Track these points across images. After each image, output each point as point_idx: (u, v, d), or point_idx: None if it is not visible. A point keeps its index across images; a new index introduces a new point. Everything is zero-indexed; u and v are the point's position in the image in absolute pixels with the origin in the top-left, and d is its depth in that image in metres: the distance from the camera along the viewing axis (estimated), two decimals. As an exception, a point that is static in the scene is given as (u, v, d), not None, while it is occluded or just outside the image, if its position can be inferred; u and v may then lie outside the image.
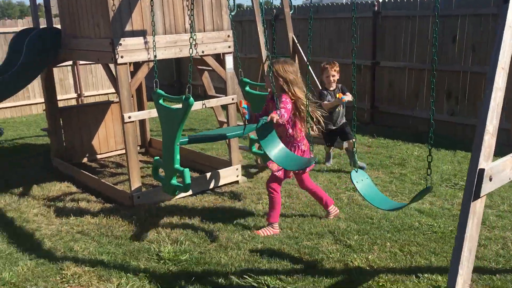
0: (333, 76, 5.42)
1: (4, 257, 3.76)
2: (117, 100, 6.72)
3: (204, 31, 5.06)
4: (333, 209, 4.36)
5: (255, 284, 3.26)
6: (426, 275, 3.29)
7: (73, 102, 10.79)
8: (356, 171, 3.22)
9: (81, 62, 10.55)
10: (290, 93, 3.96)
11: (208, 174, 5.22)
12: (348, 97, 5.22)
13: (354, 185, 3.17)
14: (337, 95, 5.30)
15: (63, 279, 3.42)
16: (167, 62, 11.46)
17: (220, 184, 5.27)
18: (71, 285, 3.35)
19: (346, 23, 8.35)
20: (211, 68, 5.38)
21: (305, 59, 6.34)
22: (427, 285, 3.20)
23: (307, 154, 4.13)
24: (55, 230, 4.26)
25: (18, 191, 5.31)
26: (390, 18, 7.90)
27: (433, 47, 2.72)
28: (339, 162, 6.03)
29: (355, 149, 3.48)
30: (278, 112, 3.78)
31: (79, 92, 11.11)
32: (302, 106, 3.99)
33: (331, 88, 5.48)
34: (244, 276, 3.35)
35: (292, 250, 3.75)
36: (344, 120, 5.58)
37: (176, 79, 12.16)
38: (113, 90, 11.55)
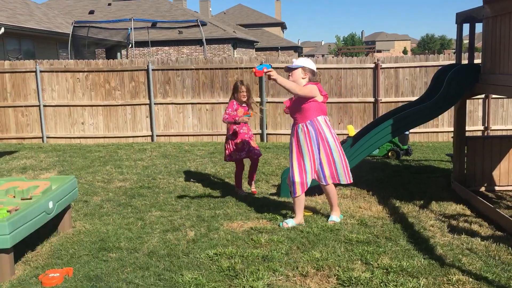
0: None
1: (403, 250, 4.59)
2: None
3: None
4: None
5: None
6: None
7: (479, 134, 11.09)
8: None
9: (493, 96, 10.74)
10: None
11: None
12: None
13: None
14: None
15: (449, 282, 3.93)
16: None
17: None
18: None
19: None
20: None
21: None
22: None
23: None
24: (447, 241, 4.81)
25: (419, 203, 6.15)
26: None
27: None
28: None
29: None
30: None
31: (486, 125, 11.33)
32: None
33: None
34: None
35: None
36: None
37: None
38: (524, 126, 11.18)
